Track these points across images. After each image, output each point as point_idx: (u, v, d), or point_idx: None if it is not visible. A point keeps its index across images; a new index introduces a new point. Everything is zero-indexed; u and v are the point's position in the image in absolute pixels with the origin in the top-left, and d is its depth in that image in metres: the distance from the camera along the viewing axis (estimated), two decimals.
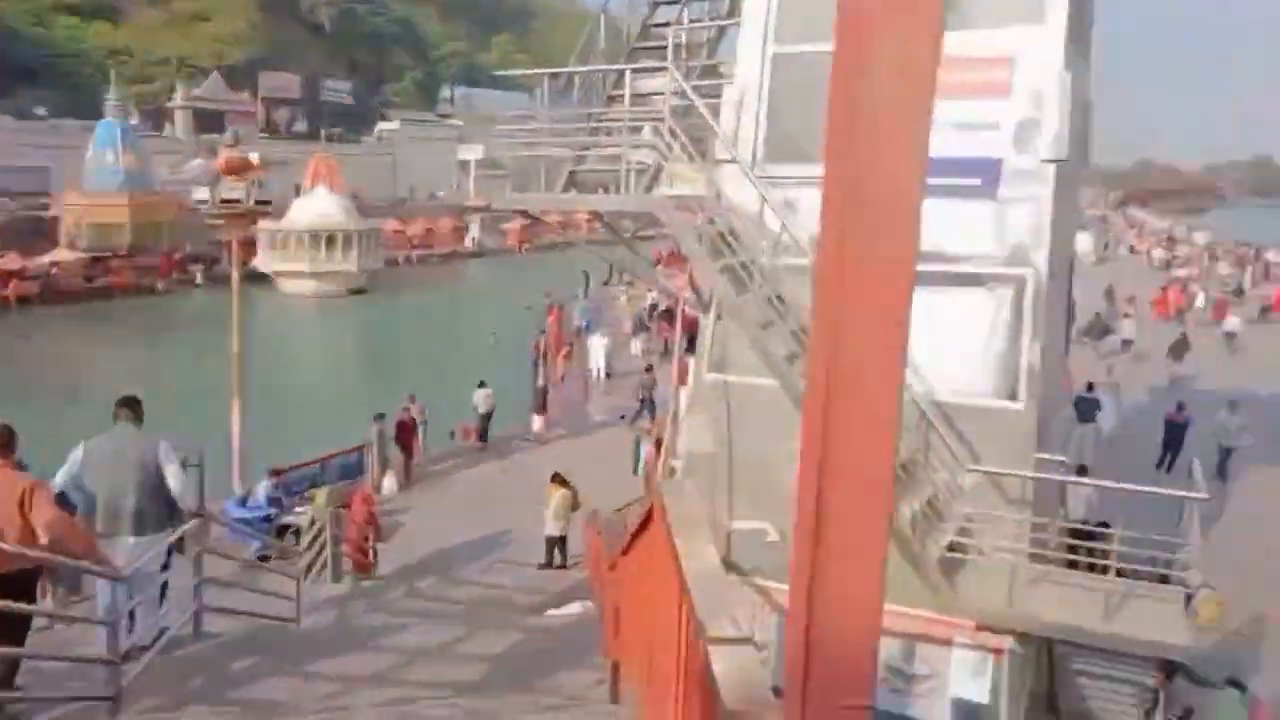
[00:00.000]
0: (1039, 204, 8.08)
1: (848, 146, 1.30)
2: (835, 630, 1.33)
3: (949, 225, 8.30)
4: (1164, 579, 8.29)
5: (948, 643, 8.51)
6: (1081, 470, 13.48)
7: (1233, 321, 31.95)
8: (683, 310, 10.23)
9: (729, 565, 8.94)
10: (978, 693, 8.50)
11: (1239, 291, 39.86)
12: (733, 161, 8.56)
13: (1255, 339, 32.54)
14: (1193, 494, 8.52)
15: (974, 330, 8.39)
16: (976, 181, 8.14)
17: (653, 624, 3.15)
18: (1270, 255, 53.17)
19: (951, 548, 8.15)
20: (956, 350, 8.46)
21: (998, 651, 8.37)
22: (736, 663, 1.85)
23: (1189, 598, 8.64)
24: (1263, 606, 12.21)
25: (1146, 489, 7.94)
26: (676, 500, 3.04)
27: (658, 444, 11.98)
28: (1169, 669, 8.89)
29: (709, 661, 1.88)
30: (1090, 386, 19.23)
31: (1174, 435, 17.93)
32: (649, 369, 22.59)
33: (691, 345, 10.85)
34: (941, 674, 8.59)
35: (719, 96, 9.24)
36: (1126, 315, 31.36)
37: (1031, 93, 7.96)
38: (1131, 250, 66.63)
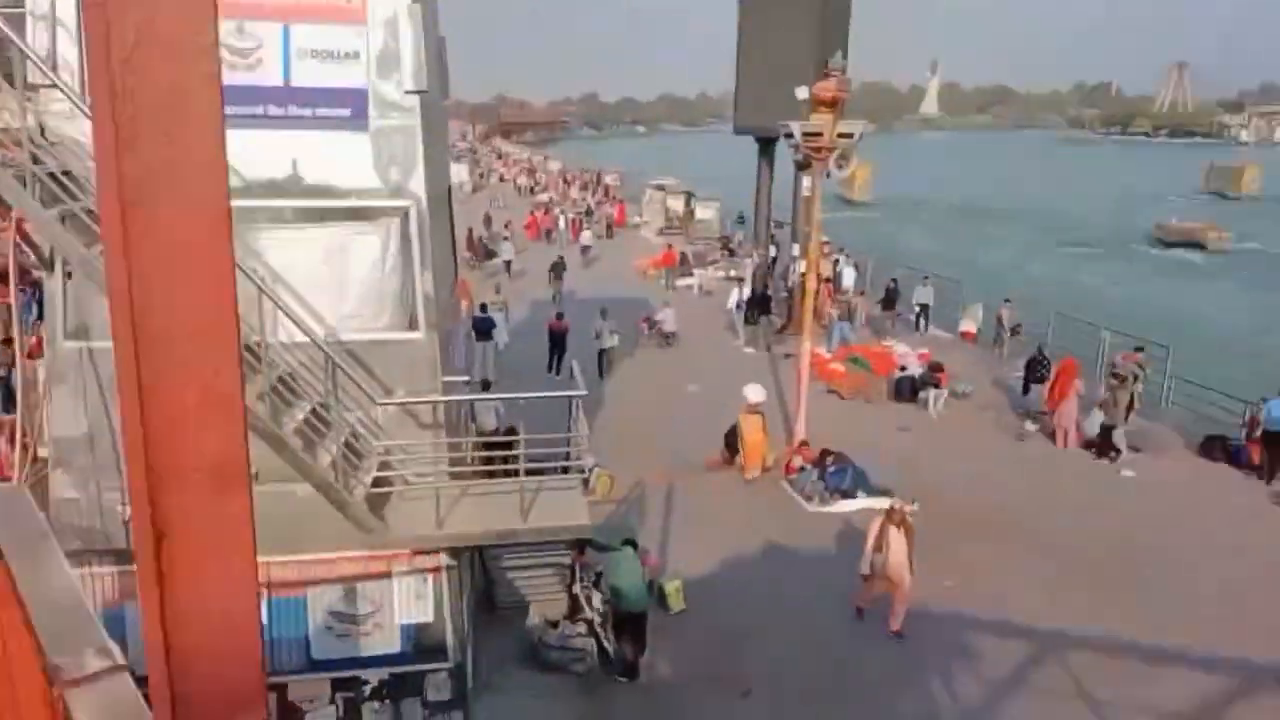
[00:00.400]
0: (410, 135, 8.18)
1: (110, 62, 0.98)
2: (206, 649, 1.08)
3: (329, 159, 8.05)
4: (565, 469, 9.32)
5: (387, 575, 8.60)
6: (485, 385, 14.57)
7: (586, 236, 37.10)
8: (15, 270, 8.38)
9: (128, 557, 7.83)
10: (422, 613, 8.77)
11: (589, 212, 46.28)
12: (54, 87, 7.10)
13: (604, 250, 38.33)
14: (574, 392, 9.65)
15: (367, 264, 8.31)
16: (346, 112, 7.94)
17: (9, 673, 2.45)
18: (608, 179, 62.48)
19: (377, 483, 8.16)
20: (354, 286, 8.34)
21: (435, 571, 8.69)
22: (108, 703, 1.46)
23: (586, 481, 9.91)
24: (642, 473, 14.67)
25: (538, 394, 8.78)
26: (3, 508, 2.37)
27: (12, 437, 9.84)
28: (580, 544, 10.19)
29: (69, 712, 1.47)
30: (484, 307, 20.75)
31: (557, 342, 20.27)
32: (7, 341, 18.25)
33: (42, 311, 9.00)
34: (386, 605, 8.68)
35: (21, 5, 7.54)
36: (505, 238, 34.39)
37: (386, 23, 7.94)
38: (501, 179, 72.94)
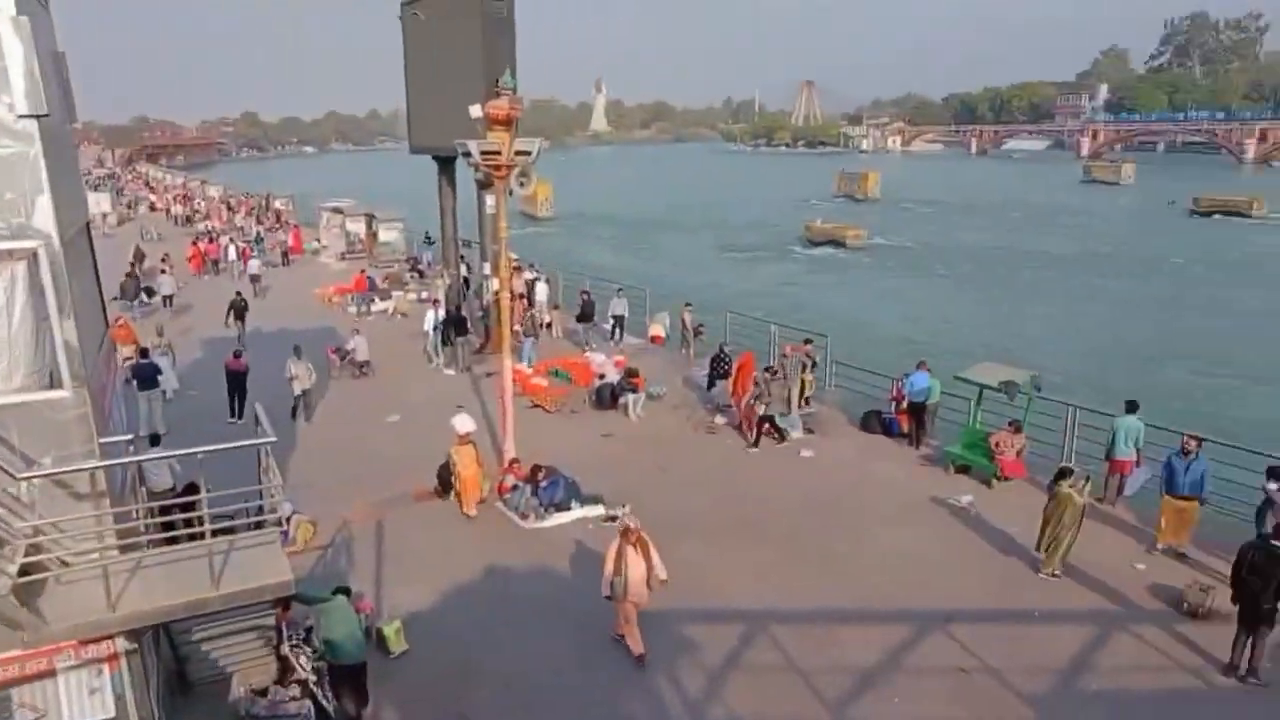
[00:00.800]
0: (29, 165, 7.06)
1: None
2: None
3: None
4: (260, 524, 8.51)
5: (51, 673, 7.41)
6: (155, 439, 13.00)
7: (254, 265, 34.51)
8: None
9: None
10: (99, 710, 7.69)
11: (259, 239, 43.06)
12: None
13: (282, 279, 35.96)
14: (261, 439, 8.82)
15: None
16: None
17: None
18: (279, 203, 58.64)
19: (26, 570, 6.95)
20: None
21: (111, 659, 7.62)
22: None
23: (285, 532, 9.11)
24: (348, 514, 13.86)
25: (217, 448, 7.90)
26: None
27: None
28: (284, 601, 9.35)
29: None
30: (144, 352, 18.60)
31: (237, 383, 18.58)
32: None
33: None
34: (52, 709, 7.48)
35: None
36: (163, 272, 31.13)
37: None
38: (153, 208, 66.17)
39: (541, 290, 27.25)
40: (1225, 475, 13.02)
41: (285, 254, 40.81)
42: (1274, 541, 9.60)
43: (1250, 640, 9.63)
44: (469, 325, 23.24)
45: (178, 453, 9.91)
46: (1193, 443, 12.49)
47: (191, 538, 8.06)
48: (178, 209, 61.05)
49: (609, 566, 10.01)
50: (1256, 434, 19.25)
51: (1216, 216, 70.64)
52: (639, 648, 10.09)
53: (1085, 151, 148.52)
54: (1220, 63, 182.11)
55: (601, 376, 20.20)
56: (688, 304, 24.59)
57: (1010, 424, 14.95)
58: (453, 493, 14.25)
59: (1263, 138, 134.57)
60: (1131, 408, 14.10)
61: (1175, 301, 40.02)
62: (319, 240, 43.95)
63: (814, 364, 19.08)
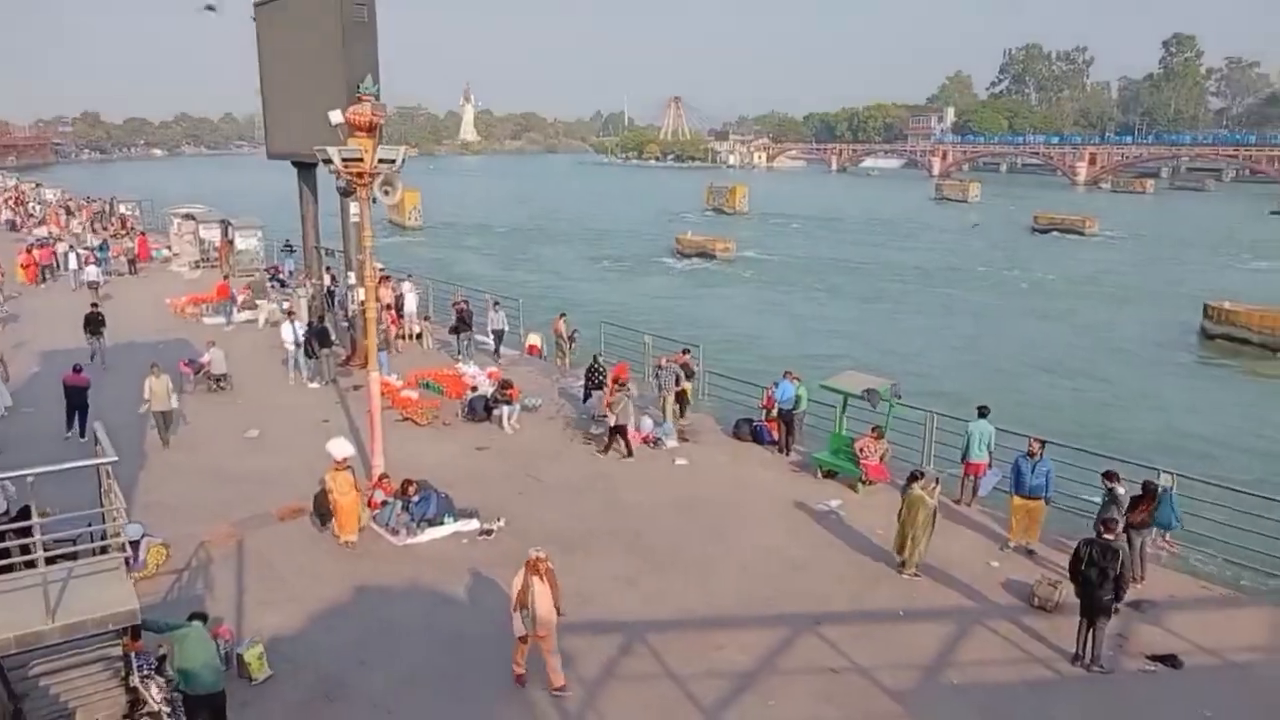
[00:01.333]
0: None
1: None
2: None
3: None
4: (104, 549, 7.93)
5: None
6: None
7: (92, 272, 32.25)
8: None
9: None
10: None
11: (103, 246, 40.27)
12: None
13: (130, 288, 33.81)
14: (102, 459, 8.21)
15: None
16: None
17: None
18: (124, 208, 55.06)
19: None
20: None
21: None
22: None
23: (130, 558, 8.51)
24: (205, 535, 13.09)
25: (53, 468, 7.30)
26: None
27: None
28: (134, 631, 8.74)
29: None
30: None
31: (77, 399, 17.33)
32: None
33: None
34: None
35: None
36: None
37: None
38: None
39: (411, 301, 26.58)
40: (1068, 475, 13.91)
41: (132, 262, 38.35)
42: (1105, 536, 10.31)
43: (1091, 631, 10.29)
44: (333, 337, 22.43)
45: (8, 474, 9.13)
46: (1037, 445, 13.29)
47: (28, 566, 7.45)
48: (9, 213, 56.57)
49: (514, 601, 9.56)
50: (1094, 434, 20.74)
51: (1054, 234, 75.76)
52: (519, 669, 9.84)
53: (936, 171, 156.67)
54: (1052, 90, 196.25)
55: (474, 389, 19.85)
56: (562, 313, 24.50)
57: (873, 430, 15.52)
58: (330, 523, 13.30)
59: (1092, 161, 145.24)
60: (983, 412, 14.88)
61: (1022, 312, 42.60)
62: (169, 248, 41.54)
63: (691, 374, 19.32)
